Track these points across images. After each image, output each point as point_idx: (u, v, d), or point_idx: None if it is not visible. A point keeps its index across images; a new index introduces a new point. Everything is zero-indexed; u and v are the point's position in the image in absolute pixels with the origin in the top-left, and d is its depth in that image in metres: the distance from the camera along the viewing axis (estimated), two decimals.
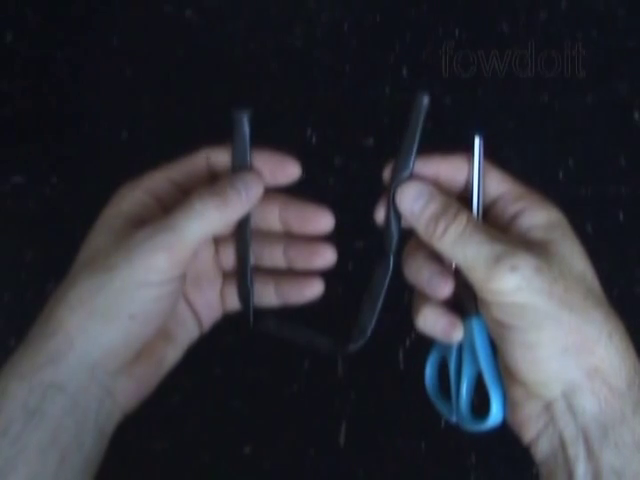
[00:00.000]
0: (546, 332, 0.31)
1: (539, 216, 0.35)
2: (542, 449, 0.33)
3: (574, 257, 0.33)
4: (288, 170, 0.38)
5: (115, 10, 0.82)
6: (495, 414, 0.35)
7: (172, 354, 0.38)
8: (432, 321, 0.36)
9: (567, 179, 0.71)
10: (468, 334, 0.36)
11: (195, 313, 0.39)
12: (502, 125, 0.74)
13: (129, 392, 0.36)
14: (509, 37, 0.79)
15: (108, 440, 0.35)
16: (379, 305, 0.37)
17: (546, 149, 0.73)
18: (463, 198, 0.36)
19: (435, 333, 0.36)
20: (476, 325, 0.35)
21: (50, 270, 0.69)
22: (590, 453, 0.31)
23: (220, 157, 0.38)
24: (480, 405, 0.37)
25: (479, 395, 0.37)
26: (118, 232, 0.35)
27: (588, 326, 0.32)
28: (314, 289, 0.38)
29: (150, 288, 0.33)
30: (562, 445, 0.32)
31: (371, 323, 0.37)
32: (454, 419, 0.38)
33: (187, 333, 0.39)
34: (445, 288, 0.35)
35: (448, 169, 0.36)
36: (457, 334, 0.36)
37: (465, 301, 0.35)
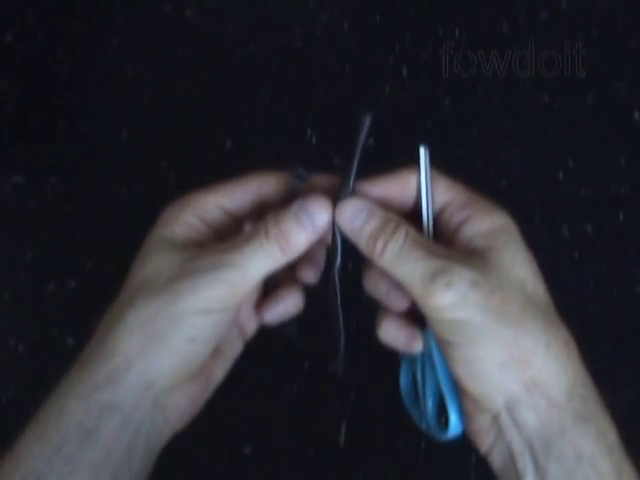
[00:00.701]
0: (483, 347, 0.31)
1: (482, 223, 0.34)
2: (496, 461, 0.33)
3: (515, 265, 0.33)
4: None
5: (115, 10, 0.82)
6: (454, 425, 0.36)
7: (220, 370, 0.39)
8: (392, 333, 0.37)
9: (567, 179, 0.71)
10: (427, 346, 0.36)
11: (240, 326, 0.39)
12: (502, 125, 0.74)
13: (181, 410, 0.36)
14: (509, 37, 0.79)
15: (155, 458, 0.36)
16: (341, 322, 0.37)
17: (546, 149, 0.73)
18: (414, 212, 0.36)
19: (396, 345, 0.37)
20: (432, 338, 0.35)
21: (50, 270, 0.69)
22: (537, 466, 0.31)
23: (269, 185, 0.38)
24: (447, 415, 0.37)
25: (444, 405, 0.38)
26: (176, 255, 0.35)
27: (524, 338, 0.31)
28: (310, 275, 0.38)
29: (210, 315, 0.33)
30: (511, 458, 0.32)
31: (340, 341, 0.37)
32: (424, 427, 0.39)
33: (233, 348, 0.40)
34: (402, 302, 0.36)
35: (397, 186, 0.36)
36: (416, 346, 0.36)
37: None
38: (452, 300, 0.31)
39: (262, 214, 0.37)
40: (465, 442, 0.66)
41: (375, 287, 0.37)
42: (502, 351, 0.32)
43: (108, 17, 0.82)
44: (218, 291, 0.33)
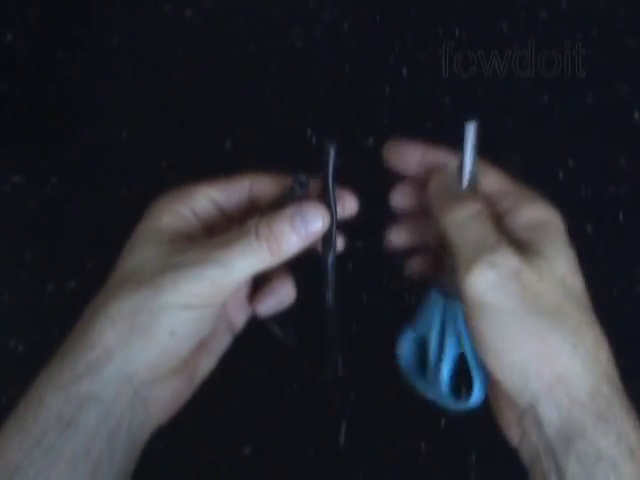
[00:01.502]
0: (511, 339, 0.31)
1: (528, 215, 0.35)
2: (525, 457, 0.33)
3: (556, 259, 0.33)
4: (348, 204, 0.38)
5: (115, 10, 0.82)
6: (477, 393, 0.36)
7: (206, 364, 0.39)
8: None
9: (567, 179, 0.71)
10: (453, 316, 0.36)
11: (228, 320, 0.39)
12: (502, 125, 0.74)
13: (163, 403, 0.36)
14: (509, 37, 0.79)
15: (140, 452, 0.35)
16: (335, 319, 0.37)
17: (546, 149, 0.73)
18: None
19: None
20: (458, 305, 0.35)
21: (50, 270, 0.69)
22: (557, 465, 0.31)
23: (263, 185, 0.38)
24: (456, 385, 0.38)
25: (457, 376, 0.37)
26: (162, 247, 0.35)
27: (553, 335, 0.31)
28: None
29: (192, 310, 0.33)
30: (538, 457, 0.32)
31: (337, 361, 0.38)
32: (431, 396, 0.38)
33: (221, 342, 0.40)
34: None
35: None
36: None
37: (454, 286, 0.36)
38: (491, 280, 0.31)
39: (253, 214, 0.37)
40: (465, 442, 0.66)
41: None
42: (529, 345, 0.32)
43: (108, 17, 0.82)
44: (201, 287, 0.33)
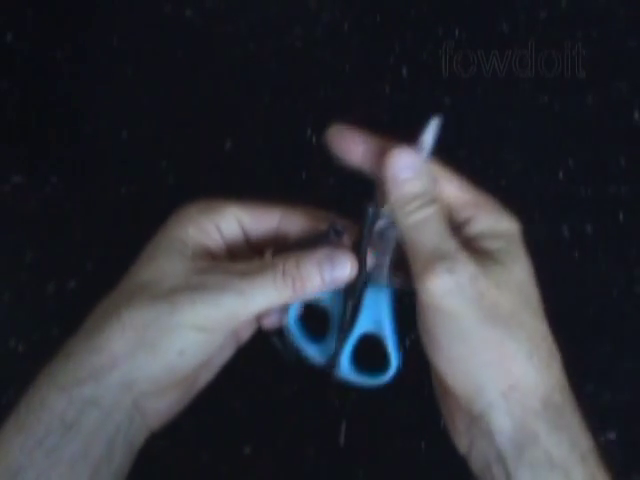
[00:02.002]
0: (467, 345, 0.31)
1: (487, 224, 0.35)
2: (474, 464, 0.33)
3: (515, 268, 0.33)
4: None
5: (115, 10, 0.82)
6: (393, 367, 0.37)
7: (205, 376, 0.39)
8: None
9: (567, 179, 0.71)
10: (374, 301, 0.37)
11: (235, 336, 0.39)
12: (502, 125, 0.74)
13: (159, 412, 0.36)
14: (509, 37, 0.79)
15: (135, 455, 0.36)
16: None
17: (546, 149, 0.73)
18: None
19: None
20: (385, 295, 0.37)
21: (50, 270, 0.69)
22: (508, 474, 0.31)
23: (294, 221, 0.37)
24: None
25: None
26: (184, 262, 0.34)
27: (509, 343, 0.31)
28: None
29: (204, 333, 0.33)
30: (488, 464, 0.32)
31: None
32: (324, 363, 0.39)
33: (224, 356, 0.39)
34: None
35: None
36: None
37: (396, 273, 0.36)
38: (448, 287, 0.31)
39: (276, 246, 0.36)
40: None
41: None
42: (485, 352, 0.32)
43: (108, 17, 0.82)
44: (217, 313, 0.33)
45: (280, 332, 0.40)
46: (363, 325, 0.38)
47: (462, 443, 0.34)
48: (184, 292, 0.33)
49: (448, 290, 0.31)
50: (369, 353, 0.39)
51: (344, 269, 0.35)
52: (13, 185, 0.73)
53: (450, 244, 0.32)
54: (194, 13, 0.81)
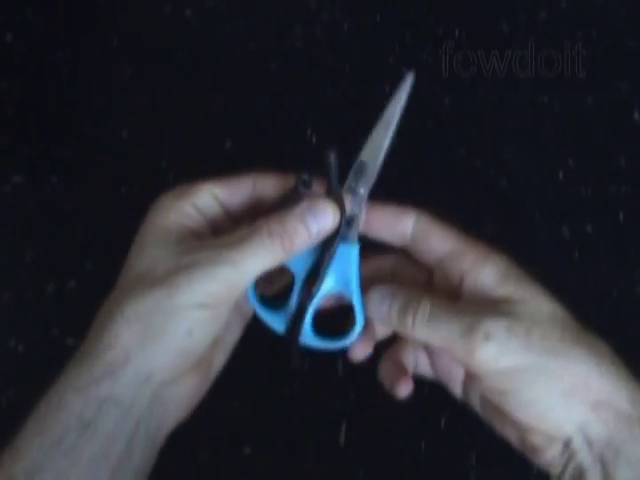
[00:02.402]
0: (539, 386, 0.32)
1: (487, 272, 0.35)
2: (567, 475, 0.34)
3: (538, 300, 0.34)
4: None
5: (115, 10, 0.82)
6: (357, 332, 0.37)
7: (220, 358, 0.39)
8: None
9: (567, 179, 0.71)
10: (343, 258, 0.37)
11: (239, 311, 0.39)
12: (502, 125, 0.74)
13: (181, 402, 0.36)
14: (509, 37, 0.79)
15: (157, 450, 0.36)
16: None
17: (546, 149, 0.73)
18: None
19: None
20: (354, 251, 0.37)
21: (50, 270, 0.69)
22: (606, 474, 0.31)
23: (266, 185, 0.38)
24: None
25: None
26: (172, 247, 0.35)
27: (575, 365, 0.32)
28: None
29: (207, 309, 0.33)
30: (581, 473, 0.32)
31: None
32: (283, 330, 0.39)
33: (233, 334, 0.40)
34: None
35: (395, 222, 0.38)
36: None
37: (346, 227, 0.37)
38: (495, 350, 0.32)
39: (256, 213, 0.37)
40: (465, 442, 0.66)
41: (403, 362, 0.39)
42: (559, 384, 0.32)
43: (108, 17, 0.82)
44: (214, 287, 0.33)
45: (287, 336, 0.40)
46: (329, 284, 0.38)
47: (556, 469, 0.34)
48: (178, 273, 0.33)
49: (495, 353, 0.32)
50: (328, 319, 0.39)
51: (327, 216, 0.35)
52: (13, 185, 0.73)
53: (468, 315, 0.32)
54: (194, 13, 0.81)
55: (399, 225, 0.37)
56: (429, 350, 0.39)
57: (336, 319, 0.39)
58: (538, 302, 0.34)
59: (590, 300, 0.66)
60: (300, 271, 0.38)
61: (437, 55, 0.76)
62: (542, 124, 0.75)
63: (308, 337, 0.39)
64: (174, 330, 0.33)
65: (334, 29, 0.80)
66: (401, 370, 0.39)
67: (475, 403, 0.38)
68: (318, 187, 0.37)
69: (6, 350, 0.65)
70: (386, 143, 0.38)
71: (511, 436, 0.36)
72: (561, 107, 0.75)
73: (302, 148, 0.73)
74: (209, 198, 0.37)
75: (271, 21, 0.81)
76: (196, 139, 0.75)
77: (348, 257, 0.37)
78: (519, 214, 0.68)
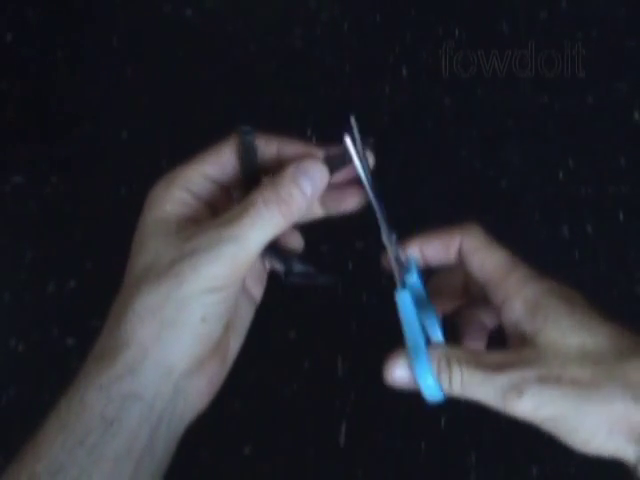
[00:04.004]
0: (584, 428, 0.32)
1: (518, 304, 0.35)
2: None
3: (565, 335, 0.33)
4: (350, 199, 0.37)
5: (115, 10, 0.82)
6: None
7: (235, 344, 0.39)
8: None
9: (567, 179, 0.71)
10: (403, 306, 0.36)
11: (248, 294, 0.39)
12: (502, 125, 0.74)
13: (201, 391, 0.36)
14: (509, 37, 0.79)
15: (177, 443, 0.35)
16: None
17: (546, 149, 0.73)
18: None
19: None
20: (404, 297, 0.35)
21: (50, 270, 0.69)
22: None
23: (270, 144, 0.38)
24: None
25: None
26: (173, 237, 0.34)
27: (613, 403, 0.32)
28: (355, 200, 0.38)
29: (217, 293, 0.33)
30: None
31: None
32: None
33: (245, 318, 0.39)
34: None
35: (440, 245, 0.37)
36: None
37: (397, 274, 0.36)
38: (530, 405, 0.32)
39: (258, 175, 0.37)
40: (465, 442, 0.66)
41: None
42: (601, 423, 0.32)
43: (108, 17, 0.82)
44: (220, 268, 0.33)
45: (303, 278, 0.39)
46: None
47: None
48: (183, 262, 0.33)
49: (532, 407, 0.32)
50: None
51: (318, 173, 0.35)
52: (13, 185, 0.73)
53: (498, 374, 0.33)
54: (194, 13, 0.81)
55: (445, 252, 0.37)
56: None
57: None
58: (565, 338, 0.33)
59: (590, 300, 0.66)
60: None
61: (437, 55, 0.76)
62: (542, 124, 0.75)
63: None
64: (187, 319, 0.33)
65: (334, 29, 0.80)
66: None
67: None
68: (257, 136, 0.37)
69: (6, 350, 0.65)
70: (372, 196, 0.36)
71: None
72: (561, 107, 0.75)
73: None
74: (200, 179, 0.37)
75: (271, 21, 0.81)
76: (196, 139, 0.74)
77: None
78: (519, 214, 0.68)
